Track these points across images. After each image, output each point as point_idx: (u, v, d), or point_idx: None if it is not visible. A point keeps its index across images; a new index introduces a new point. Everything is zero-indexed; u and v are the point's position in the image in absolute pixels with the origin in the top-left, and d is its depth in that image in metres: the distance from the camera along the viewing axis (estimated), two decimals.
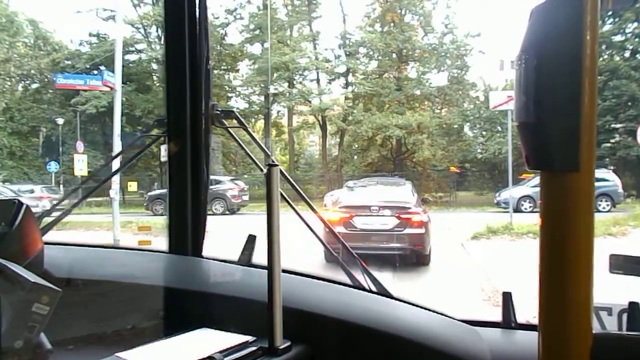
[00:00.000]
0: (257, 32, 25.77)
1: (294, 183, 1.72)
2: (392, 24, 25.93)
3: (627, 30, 22.20)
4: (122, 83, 12.24)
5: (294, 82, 26.15)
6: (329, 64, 26.68)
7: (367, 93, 25.89)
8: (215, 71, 25.25)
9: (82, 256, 1.68)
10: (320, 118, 26.64)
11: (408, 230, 8.68)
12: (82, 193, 1.87)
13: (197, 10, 1.63)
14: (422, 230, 8.74)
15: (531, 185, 18.62)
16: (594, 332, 0.79)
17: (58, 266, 1.37)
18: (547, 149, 0.76)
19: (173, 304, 1.41)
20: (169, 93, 1.68)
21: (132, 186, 21.05)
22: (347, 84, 26.96)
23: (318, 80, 26.79)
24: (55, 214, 1.73)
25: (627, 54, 22.69)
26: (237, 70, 26.13)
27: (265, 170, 1.20)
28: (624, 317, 1.35)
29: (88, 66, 22.74)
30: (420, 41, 26.20)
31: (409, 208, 9.13)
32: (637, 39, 22.15)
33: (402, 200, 9.59)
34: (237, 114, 1.73)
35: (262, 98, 26.17)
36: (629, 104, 21.13)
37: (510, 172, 14.41)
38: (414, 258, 8.95)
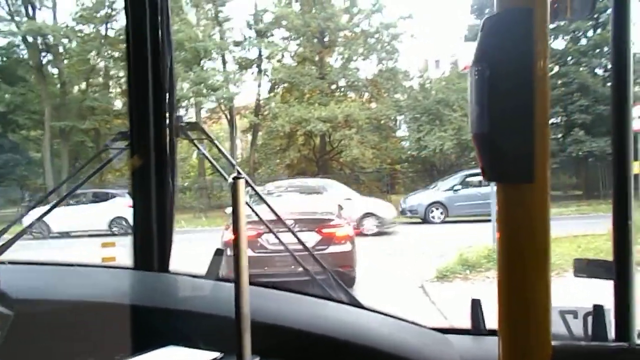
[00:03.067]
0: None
1: (260, 193, 2.11)
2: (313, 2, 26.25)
3: None
4: None
5: (194, 68, 25.92)
6: (238, 48, 26.76)
7: (283, 80, 26.21)
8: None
9: (42, 275, 1.92)
10: (227, 111, 26.59)
11: (333, 248, 8.26)
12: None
13: (160, 21, 1.95)
14: (348, 247, 8.43)
15: (443, 189, 18.72)
16: (553, 343, 0.93)
17: (16, 287, 1.60)
18: (501, 160, 0.90)
19: (139, 322, 1.62)
20: (132, 105, 1.98)
21: None
22: (259, 71, 27.15)
23: (224, 64, 26.69)
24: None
25: (575, 37, 23.60)
26: None
27: (230, 181, 1.46)
28: (589, 320, 1.57)
29: None
30: (345, 22, 26.76)
31: (332, 220, 8.72)
32: (585, 21, 23.47)
33: (323, 210, 9.17)
34: (202, 126, 2.09)
35: None
36: (579, 93, 21.90)
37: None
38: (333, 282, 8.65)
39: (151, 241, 1.98)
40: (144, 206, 2.01)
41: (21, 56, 24.44)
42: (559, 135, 22.42)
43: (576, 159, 22.41)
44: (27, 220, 2.24)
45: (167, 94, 1.99)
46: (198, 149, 2.12)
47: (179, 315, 1.68)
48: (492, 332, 1.64)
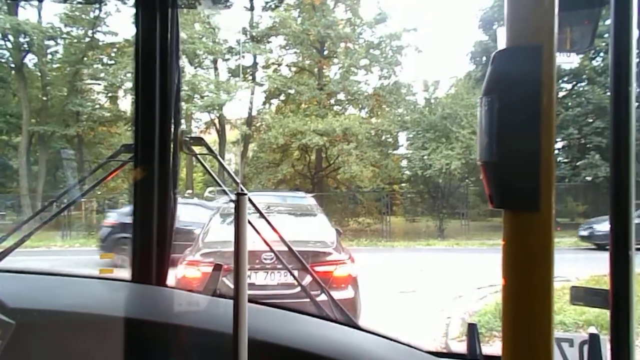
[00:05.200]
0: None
1: (261, 211, 2.28)
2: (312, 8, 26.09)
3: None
4: None
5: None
6: (231, 54, 26.64)
7: (279, 90, 26.28)
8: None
9: (39, 285, 2.08)
10: (217, 120, 26.63)
11: (330, 295, 5.18)
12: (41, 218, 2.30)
13: (169, 37, 2.13)
14: (350, 293, 6.56)
15: None
16: None
17: (14, 295, 1.75)
18: (508, 188, 1.01)
19: (135, 336, 1.76)
20: (138, 118, 2.15)
21: None
22: (254, 79, 27.17)
23: (215, 70, 26.71)
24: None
25: (592, 54, 23.14)
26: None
27: (234, 198, 1.52)
28: (585, 348, 1.72)
29: None
30: (347, 31, 26.71)
31: (329, 254, 6.85)
32: (603, 36, 23.39)
33: (317, 239, 7.28)
34: (206, 141, 2.26)
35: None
36: (594, 114, 21.98)
37: None
38: None
39: (150, 254, 2.14)
40: (145, 219, 2.16)
41: (2, 57, 24.48)
42: (572, 159, 22.50)
43: (589, 185, 22.24)
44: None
45: (173, 109, 2.16)
46: (202, 164, 2.30)
47: (176, 330, 1.80)
48: (487, 358, 1.78)
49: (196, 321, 1.85)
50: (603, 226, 16.81)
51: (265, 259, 6.39)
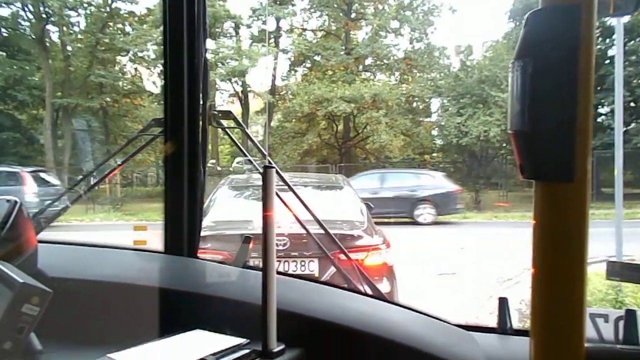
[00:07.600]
0: None
1: (289, 184, 2.40)
2: None
3: None
4: None
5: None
6: (252, 17, 26.53)
7: (304, 55, 26.25)
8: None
9: (76, 255, 2.22)
10: (240, 89, 26.71)
11: (362, 288, 4.44)
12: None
13: (196, 11, 2.23)
14: (386, 287, 5.66)
15: None
16: (587, 345, 1.00)
17: (52, 265, 1.87)
18: (541, 158, 0.98)
19: (167, 305, 1.84)
20: (167, 93, 2.27)
21: None
22: (277, 45, 27.03)
23: (236, 34, 26.63)
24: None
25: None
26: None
27: (261, 171, 1.62)
28: (620, 324, 1.67)
29: None
30: None
31: (360, 236, 5.93)
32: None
33: (344, 218, 6.39)
34: (234, 114, 2.39)
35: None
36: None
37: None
38: None
39: (181, 227, 2.26)
40: (176, 192, 2.29)
41: (24, 28, 24.72)
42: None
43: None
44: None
45: (201, 83, 2.27)
46: (230, 137, 2.42)
47: (206, 301, 1.89)
48: (517, 332, 1.83)
49: (226, 292, 1.95)
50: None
51: (279, 241, 5.39)
